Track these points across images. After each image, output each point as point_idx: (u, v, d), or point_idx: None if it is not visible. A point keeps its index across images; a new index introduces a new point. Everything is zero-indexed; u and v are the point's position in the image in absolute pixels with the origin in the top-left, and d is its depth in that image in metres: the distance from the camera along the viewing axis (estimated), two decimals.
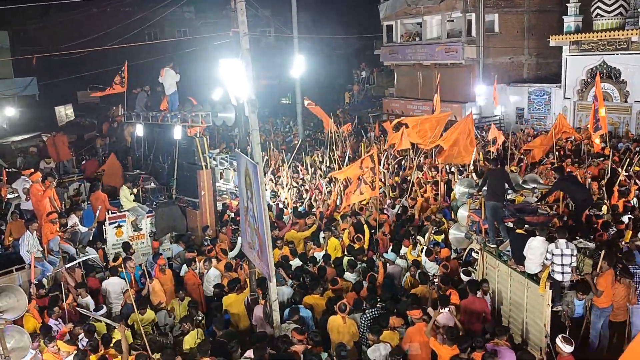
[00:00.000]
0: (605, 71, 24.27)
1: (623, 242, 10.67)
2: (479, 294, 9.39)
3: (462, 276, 10.51)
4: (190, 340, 8.58)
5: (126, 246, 12.74)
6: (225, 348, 8.01)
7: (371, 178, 13.09)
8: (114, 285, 10.84)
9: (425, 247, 11.35)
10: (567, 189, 10.70)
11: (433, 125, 16.59)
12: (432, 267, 10.92)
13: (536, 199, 11.60)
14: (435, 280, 9.95)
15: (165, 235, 14.30)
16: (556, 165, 14.85)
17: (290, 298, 10.05)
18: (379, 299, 9.28)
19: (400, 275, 11.11)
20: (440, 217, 13.16)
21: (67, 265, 11.12)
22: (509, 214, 10.53)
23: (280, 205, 15.97)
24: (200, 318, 9.55)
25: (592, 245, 10.09)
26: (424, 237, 12.06)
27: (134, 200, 14.71)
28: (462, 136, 15.31)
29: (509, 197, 10.88)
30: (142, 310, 9.50)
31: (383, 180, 15.99)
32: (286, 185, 17.65)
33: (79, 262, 11.55)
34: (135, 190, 15.12)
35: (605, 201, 13.25)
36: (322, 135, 26.21)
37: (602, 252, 8.94)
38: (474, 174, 14.92)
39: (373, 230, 12.97)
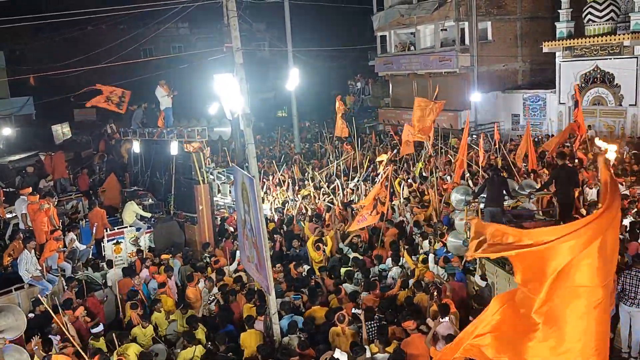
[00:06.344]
0: (599, 76, 24.44)
1: None
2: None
3: (479, 281, 10.51)
4: (185, 355, 8.57)
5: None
6: None
7: (384, 195, 12.91)
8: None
9: (432, 255, 11.31)
10: (560, 178, 10.44)
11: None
12: (442, 275, 10.87)
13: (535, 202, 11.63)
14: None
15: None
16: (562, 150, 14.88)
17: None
18: (376, 310, 9.25)
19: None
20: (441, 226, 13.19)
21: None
22: (506, 220, 10.54)
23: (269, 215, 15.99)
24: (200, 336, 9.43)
25: None
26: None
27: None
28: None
29: (505, 203, 10.92)
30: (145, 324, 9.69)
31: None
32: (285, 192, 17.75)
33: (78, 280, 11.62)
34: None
35: None
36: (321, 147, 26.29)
37: None
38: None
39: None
